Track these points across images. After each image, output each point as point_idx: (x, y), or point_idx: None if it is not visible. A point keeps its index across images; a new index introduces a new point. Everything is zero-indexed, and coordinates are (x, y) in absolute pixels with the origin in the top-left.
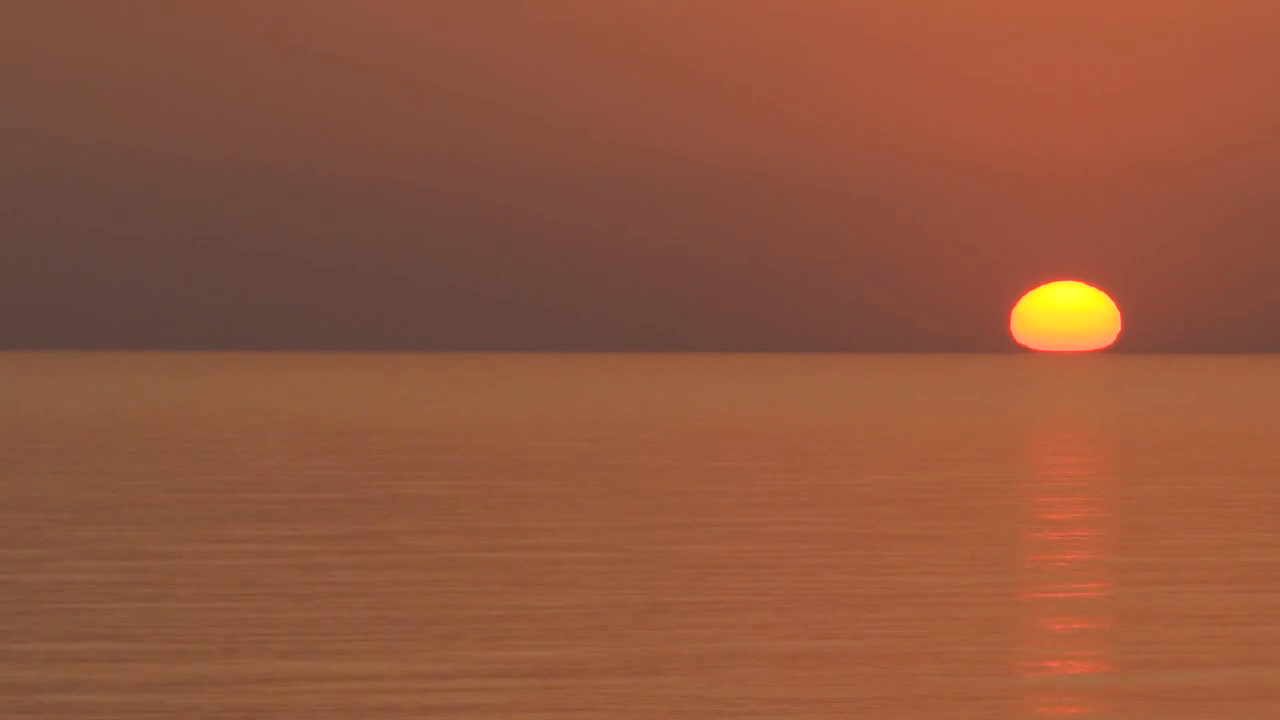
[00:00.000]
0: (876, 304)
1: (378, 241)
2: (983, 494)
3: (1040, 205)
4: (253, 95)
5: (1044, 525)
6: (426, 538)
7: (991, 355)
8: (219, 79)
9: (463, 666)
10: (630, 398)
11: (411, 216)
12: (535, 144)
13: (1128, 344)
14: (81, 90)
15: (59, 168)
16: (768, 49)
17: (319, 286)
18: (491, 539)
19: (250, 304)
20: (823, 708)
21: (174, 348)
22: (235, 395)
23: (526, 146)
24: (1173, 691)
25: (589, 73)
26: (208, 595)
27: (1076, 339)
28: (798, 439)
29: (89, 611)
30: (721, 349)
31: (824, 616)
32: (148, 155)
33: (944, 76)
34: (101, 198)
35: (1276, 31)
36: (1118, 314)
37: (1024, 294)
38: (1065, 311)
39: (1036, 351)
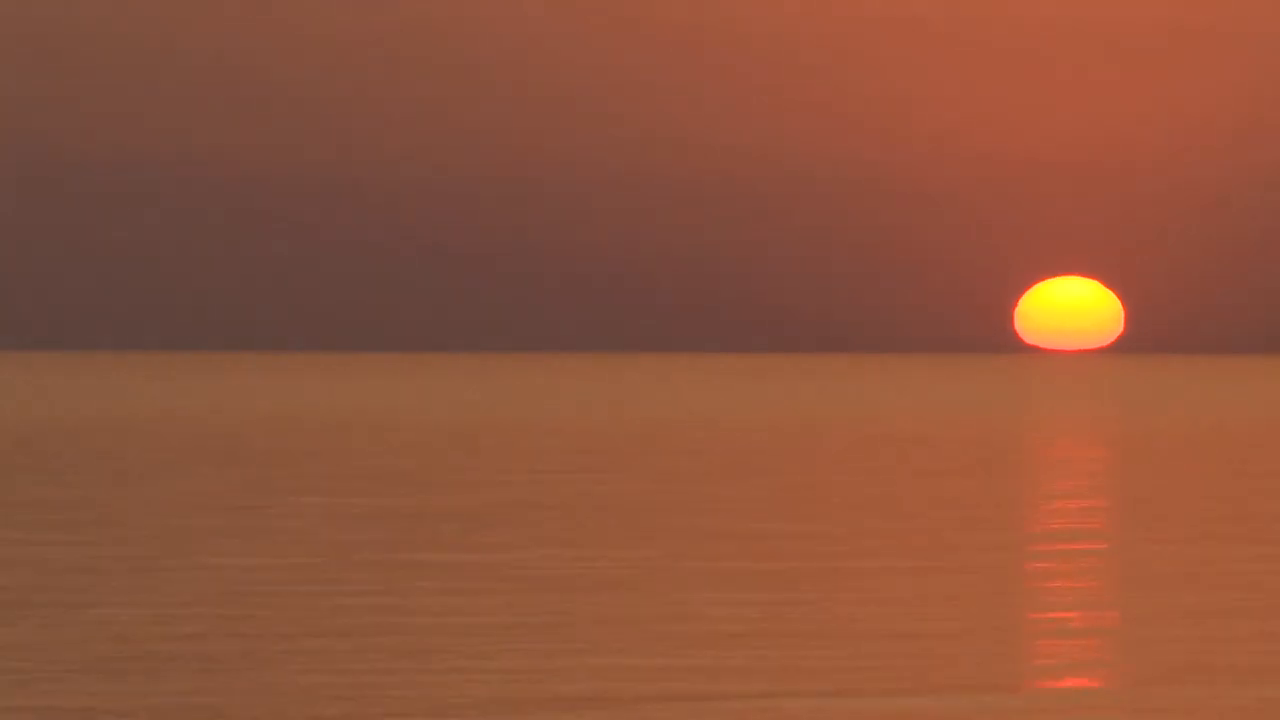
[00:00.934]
0: (876, 303)
1: (380, 241)
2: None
3: (1041, 200)
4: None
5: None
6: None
7: (995, 355)
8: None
9: None
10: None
11: (411, 217)
12: (531, 144)
13: (1132, 341)
14: (82, 90)
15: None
16: (763, 44)
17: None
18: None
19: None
20: None
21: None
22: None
23: (526, 146)
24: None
25: (579, 65)
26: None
27: (1081, 336)
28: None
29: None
30: (720, 350)
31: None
32: (155, 154)
33: (944, 75)
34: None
35: None
36: (1121, 310)
37: (1027, 290)
38: (1069, 308)
39: (1043, 350)
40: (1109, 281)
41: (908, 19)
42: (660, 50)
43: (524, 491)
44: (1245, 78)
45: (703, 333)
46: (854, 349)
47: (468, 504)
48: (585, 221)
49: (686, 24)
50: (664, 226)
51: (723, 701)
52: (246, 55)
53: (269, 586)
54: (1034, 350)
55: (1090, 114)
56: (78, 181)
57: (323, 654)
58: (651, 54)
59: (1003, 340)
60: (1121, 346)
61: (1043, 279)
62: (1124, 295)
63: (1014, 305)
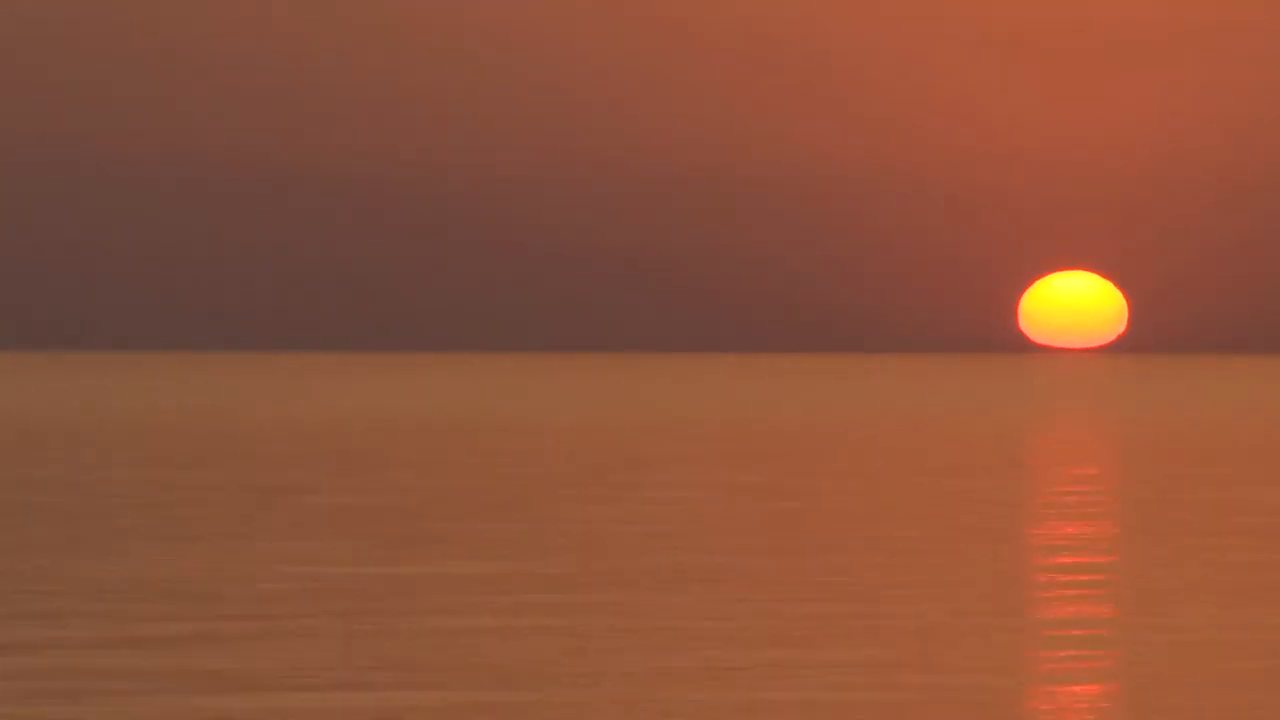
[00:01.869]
0: (877, 302)
1: (382, 241)
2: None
3: (1042, 195)
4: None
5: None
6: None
7: (1001, 354)
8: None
9: None
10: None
11: (414, 217)
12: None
13: (1136, 337)
14: (86, 90)
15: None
16: (763, 43)
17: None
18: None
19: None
20: None
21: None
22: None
23: (519, 149)
24: None
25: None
26: None
27: (1085, 332)
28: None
29: None
30: (722, 349)
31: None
32: (161, 153)
33: (943, 74)
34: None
35: None
36: (1125, 305)
37: (1029, 285)
38: (1072, 304)
39: (1047, 348)
40: (1112, 276)
41: (907, 18)
42: (658, 50)
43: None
44: (1253, 71)
45: (703, 332)
46: (855, 349)
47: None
48: (585, 221)
49: (685, 21)
50: (663, 226)
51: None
52: (249, 55)
53: None
54: (1039, 349)
55: (1092, 110)
56: (78, 182)
57: None
58: (649, 54)
59: (1007, 337)
60: (1126, 343)
61: (1044, 274)
62: (1127, 290)
63: (1017, 301)
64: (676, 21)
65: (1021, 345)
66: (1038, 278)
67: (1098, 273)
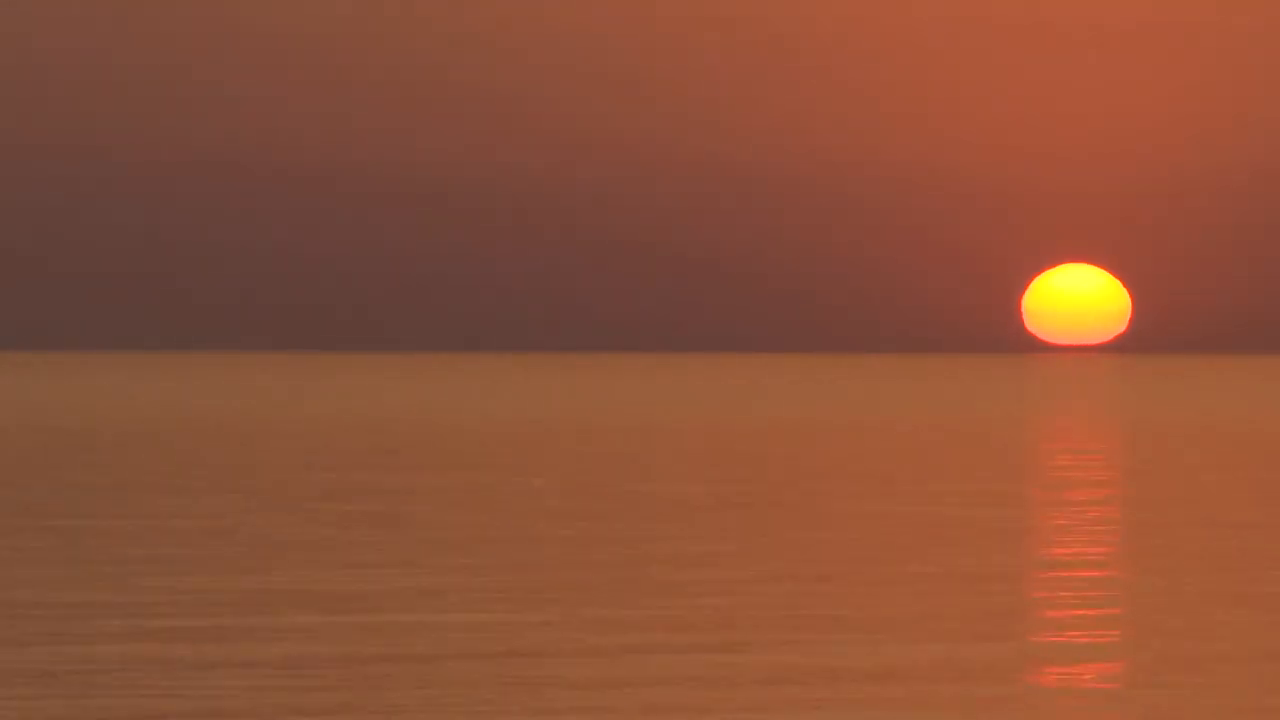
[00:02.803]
0: (876, 302)
1: (388, 241)
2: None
3: (1044, 190)
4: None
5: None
6: None
7: (1001, 354)
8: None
9: None
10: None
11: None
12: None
13: (1139, 331)
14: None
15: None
16: (761, 42)
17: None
18: None
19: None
20: None
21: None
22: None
23: (517, 151)
24: None
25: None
26: None
27: (1089, 328)
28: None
29: None
30: (722, 349)
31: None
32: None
33: (944, 74)
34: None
35: None
36: (1128, 299)
37: (1032, 279)
38: (1076, 299)
39: (1051, 345)
40: (1116, 270)
41: (908, 17)
42: (656, 50)
43: None
44: (1246, 70)
45: (701, 333)
46: (855, 349)
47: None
48: (583, 222)
49: (683, 21)
50: (662, 226)
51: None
52: (254, 53)
53: None
54: (1043, 346)
55: (1095, 108)
56: (80, 182)
57: None
58: (648, 54)
59: (1010, 334)
60: (1131, 337)
61: (1046, 268)
62: (1131, 285)
63: (1020, 297)
64: (675, 20)
65: (1025, 341)
66: (1040, 271)
67: (1101, 266)
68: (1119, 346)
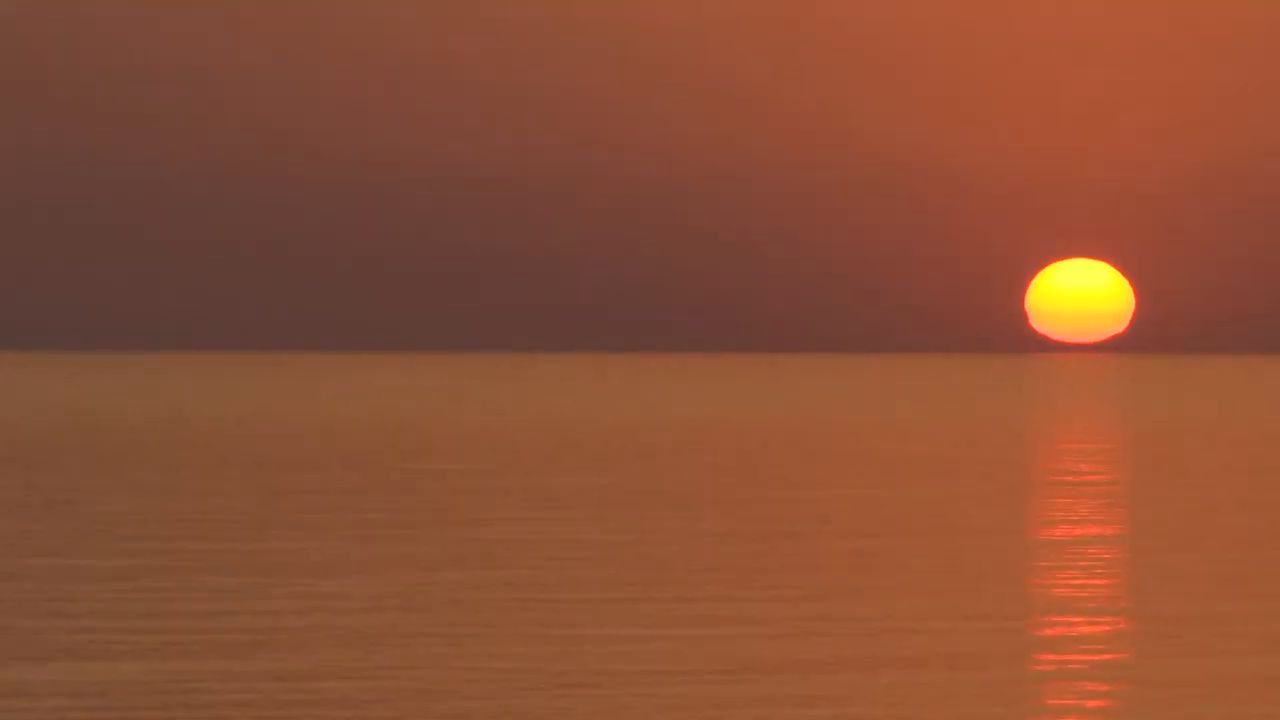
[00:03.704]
0: (875, 301)
1: (391, 241)
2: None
3: (1044, 186)
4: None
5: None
6: None
7: (1004, 354)
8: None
9: None
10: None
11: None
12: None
13: (1144, 328)
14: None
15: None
16: (761, 43)
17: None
18: None
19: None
20: None
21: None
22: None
23: (517, 148)
24: None
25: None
26: None
27: (1093, 324)
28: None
29: None
30: (721, 349)
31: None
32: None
33: (943, 72)
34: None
35: None
36: (1132, 293)
37: (1032, 278)
38: (1079, 297)
39: (1056, 342)
40: (1120, 265)
41: (907, 17)
42: (654, 50)
43: None
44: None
45: (701, 333)
46: (856, 348)
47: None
48: (584, 222)
49: (683, 21)
50: (661, 227)
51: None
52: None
53: None
54: (1049, 344)
55: (1098, 108)
56: (79, 182)
57: None
58: (645, 53)
59: (1013, 332)
60: (1134, 333)
61: (1048, 263)
62: (1135, 280)
63: (1023, 293)
64: (676, 21)
65: (1028, 338)
66: (1043, 266)
67: (1105, 261)
68: (1119, 346)
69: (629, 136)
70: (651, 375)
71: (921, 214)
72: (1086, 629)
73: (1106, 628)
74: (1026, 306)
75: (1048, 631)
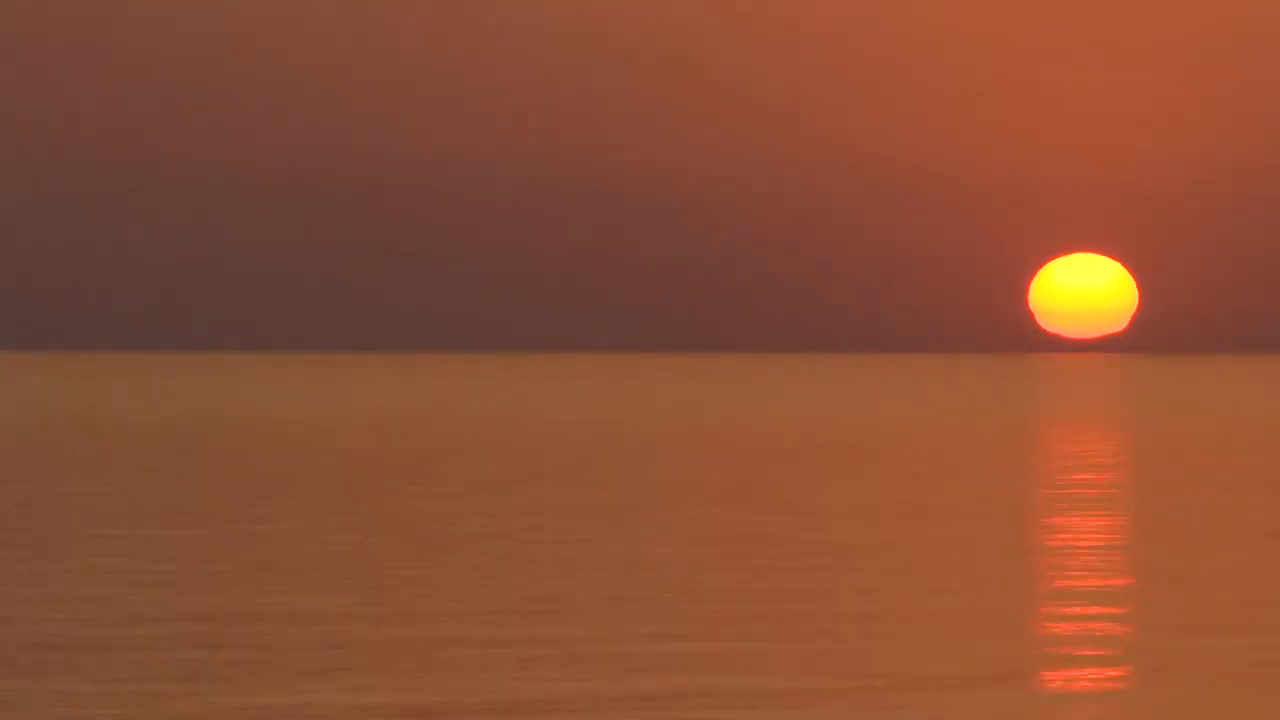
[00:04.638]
0: (876, 301)
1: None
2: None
3: (1044, 183)
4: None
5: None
6: None
7: (1009, 354)
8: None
9: None
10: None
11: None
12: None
13: (1149, 323)
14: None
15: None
16: (760, 42)
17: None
18: None
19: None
20: None
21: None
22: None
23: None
24: None
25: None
26: None
27: (1100, 319)
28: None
29: None
30: (720, 349)
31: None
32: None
33: (944, 70)
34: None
35: None
36: (1136, 291)
37: (1035, 274)
38: (1082, 294)
39: (1061, 338)
40: (1124, 260)
41: (908, 15)
42: (654, 51)
43: None
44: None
45: (702, 332)
46: (853, 347)
47: None
48: (584, 222)
49: (682, 21)
50: (661, 227)
51: None
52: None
53: None
54: (1054, 341)
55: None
56: (81, 182)
57: None
58: (645, 54)
59: (1018, 328)
60: (1137, 328)
61: (1049, 259)
62: (1139, 275)
63: (1026, 290)
64: (675, 21)
65: (1034, 335)
66: (1045, 262)
67: (1108, 255)
68: (1120, 346)
69: (629, 137)
70: (649, 376)
71: (922, 213)
72: (1090, 627)
73: (1109, 630)
74: (1030, 304)
75: (1048, 629)
